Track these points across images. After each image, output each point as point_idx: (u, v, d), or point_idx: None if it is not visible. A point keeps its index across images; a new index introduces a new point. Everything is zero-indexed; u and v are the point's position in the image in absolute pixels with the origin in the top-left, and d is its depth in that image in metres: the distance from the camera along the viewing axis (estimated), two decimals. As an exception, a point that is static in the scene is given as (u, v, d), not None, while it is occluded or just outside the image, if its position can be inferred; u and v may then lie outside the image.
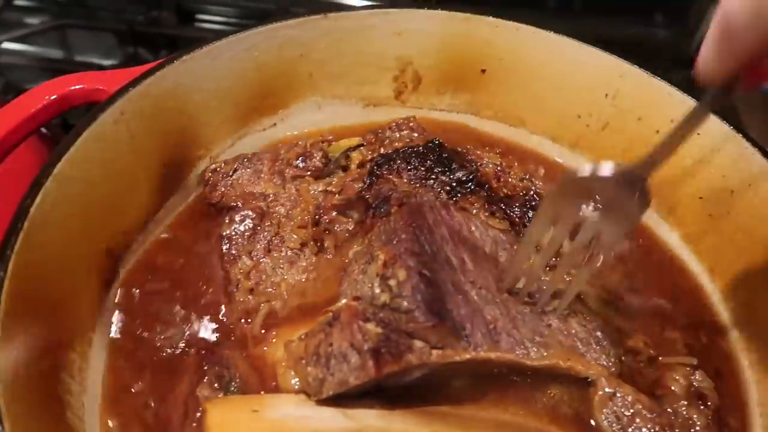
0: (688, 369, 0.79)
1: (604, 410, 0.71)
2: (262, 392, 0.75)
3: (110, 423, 0.75)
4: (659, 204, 1.04)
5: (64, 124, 1.28)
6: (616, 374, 0.75)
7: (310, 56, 1.09)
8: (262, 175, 0.95)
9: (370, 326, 0.67)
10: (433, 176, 0.88)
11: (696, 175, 0.98)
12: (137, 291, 0.87)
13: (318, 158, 0.96)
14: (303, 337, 0.72)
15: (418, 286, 0.69)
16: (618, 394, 0.71)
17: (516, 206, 0.89)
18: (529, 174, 1.00)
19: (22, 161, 0.97)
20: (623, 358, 0.79)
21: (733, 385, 0.86)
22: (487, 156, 0.98)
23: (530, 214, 0.89)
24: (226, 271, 0.86)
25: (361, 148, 0.97)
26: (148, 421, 0.75)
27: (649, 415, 0.70)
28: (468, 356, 0.69)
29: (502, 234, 0.84)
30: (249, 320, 0.82)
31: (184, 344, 0.80)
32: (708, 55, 0.48)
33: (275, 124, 1.12)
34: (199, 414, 0.72)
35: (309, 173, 0.95)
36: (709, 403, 0.76)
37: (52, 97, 0.88)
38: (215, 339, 0.81)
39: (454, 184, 0.88)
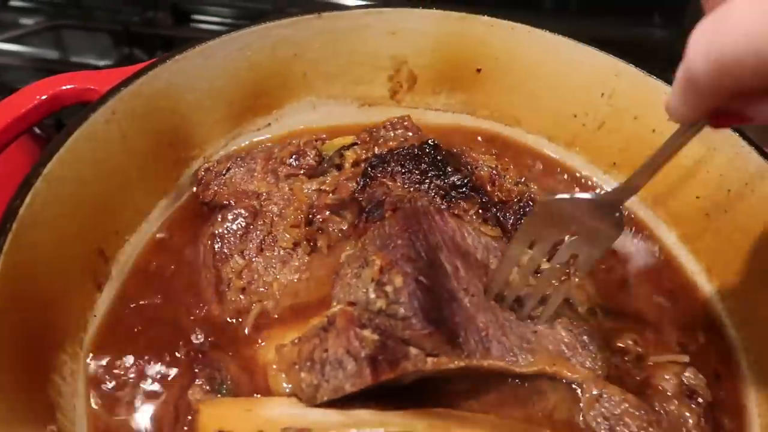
0: (679, 367, 0.79)
1: (592, 412, 0.72)
2: (255, 395, 0.74)
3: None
4: (656, 203, 1.04)
5: (57, 125, 1.27)
6: (603, 376, 0.75)
7: (304, 56, 1.08)
8: (256, 174, 0.94)
9: (367, 333, 0.66)
10: (428, 180, 0.87)
11: (693, 175, 0.98)
12: (129, 291, 0.86)
13: (312, 156, 0.95)
14: (296, 341, 0.72)
15: (415, 293, 0.68)
16: (604, 395, 0.72)
17: (510, 213, 0.88)
18: (524, 177, 0.99)
19: (14, 162, 0.96)
20: (612, 359, 0.80)
21: (731, 386, 0.85)
22: (482, 158, 0.97)
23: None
24: (217, 270, 0.85)
25: (356, 146, 0.96)
26: (138, 424, 0.74)
27: (637, 413, 0.71)
28: (462, 364, 0.69)
29: (493, 241, 0.84)
30: (240, 320, 0.82)
31: (174, 346, 0.80)
32: (674, 101, 0.49)
33: (269, 124, 1.12)
34: (190, 417, 0.71)
35: (303, 172, 0.94)
36: (700, 400, 0.76)
37: (43, 97, 0.88)
38: (206, 340, 0.80)
39: (449, 189, 0.87)
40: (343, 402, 0.68)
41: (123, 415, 0.75)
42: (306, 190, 0.91)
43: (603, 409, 0.71)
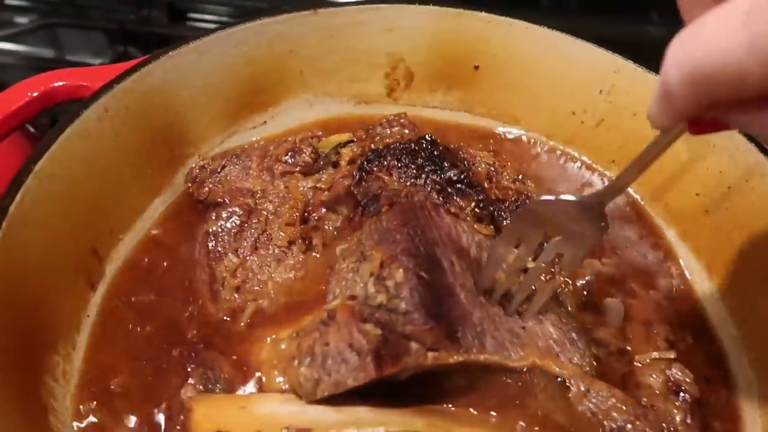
0: (666, 363, 0.79)
1: (580, 407, 0.72)
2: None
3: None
4: (656, 201, 1.03)
5: (52, 124, 1.26)
6: (591, 373, 0.76)
7: (300, 52, 1.08)
8: (251, 172, 0.94)
9: (369, 327, 0.66)
10: (424, 175, 0.87)
11: (693, 172, 0.97)
12: (122, 290, 0.85)
13: (308, 154, 0.94)
14: (294, 335, 0.71)
15: (416, 288, 0.68)
16: (592, 391, 0.73)
17: (506, 212, 0.88)
18: (521, 175, 0.98)
19: (7, 161, 0.95)
20: (600, 356, 0.80)
21: (721, 389, 0.84)
22: (480, 155, 0.97)
23: None
24: (211, 269, 0.84)
25: (352, 144, 0.95)
26: (130, 423, 0.73)
27: (624, 408, 0.72)
28: (461, 359, 0.69)
29: (486, 240, 0.84)
30: (234, 319, 0.81)
31: (167, 345, 0.79)
32: (653, 110, 0.51)
33: (265, 121, 1.11)
34: (182, 417, 0.70)
35: (299, 169, 0.93)
36: (687, 397, 0.76)
37: (34, 94, 0.87)
38: (200, 339, 0.79)
39: (445, 184, 0.86)
40: (339, 399, 0.67)
41: (115, 416, 0.74)
42: (301, 188, 0.90)
43: (591, 404, 0.72)
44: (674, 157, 0.98)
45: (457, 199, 0.85)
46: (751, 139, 0.90)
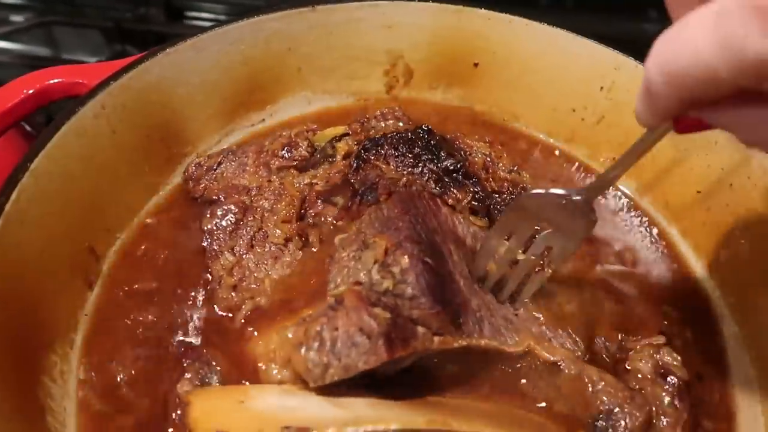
0: (655, 348, 0.80)
1: (571, 389, 0.74)
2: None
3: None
4: (657, 198, 1.03)
5: (48, 121, 1.25)
6: (582, 358, 0.77)
7: (298, 50, 1.07)
8: (248, 168, 0.93)
9: (378, 310, 0.66)
10: (421, 164, 0.87)
11: (693, 169, 0.97)
12: (119, 288, 0.85)
13: (304, 148, 0.94)
14: (301, 322, 0.70)
15: (422, 273, 0.69)
16: (583, 375, 0.74)
17: (501, 204, 0.88)
18: (517, 166, 0.98)
19: (2, 158, 0.94)
20: (596, 341, 0.82)
21: (718, 385, 0.84)
22: (476, 145, 0.97)
23: None
24: (207, 267, 0.84)
25: (347, 137, 0.95)
26: (127, 420, 0.73)
27: (612, 391, 0.73)
28: (464, 343, 0.71)
29: (481, 231, 0.85)
30: (231, 317, 0.80)
31: (164, 340, 0.79)
32: (638, 107, 0.53)
33: (264, 119, 1.10)
34: (179, 411, 0.70)
35: (295, 163, 0.93)
36: (675, 380, 0.77)
37: (30, 91, 0.86)
38: (196, 335, 0.79)
39: (442, 173, 0.86)
40: (339, 389, 0.67)
41: (112, 411, 0.74)
42: (297, 185, 0.89)
43: (581, 388, 0.74)
44: (675, 155, 0.97)
45: (454, 190, 0.85)
46: (752, 135, 0.89)
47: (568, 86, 1.08)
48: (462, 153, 0.93)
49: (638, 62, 1.00)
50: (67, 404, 0.75)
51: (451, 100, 1.17)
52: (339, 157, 0.92)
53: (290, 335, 0.70)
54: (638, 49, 1.01)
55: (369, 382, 0.68)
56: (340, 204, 0.86)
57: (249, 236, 0.85)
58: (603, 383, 0.73)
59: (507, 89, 1.13)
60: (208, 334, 0.79)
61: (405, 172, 0.86)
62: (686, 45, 0.44)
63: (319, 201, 0.87)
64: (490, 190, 0.90)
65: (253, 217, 0.86)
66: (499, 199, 0.89)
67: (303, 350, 0.67)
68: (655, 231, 1.01)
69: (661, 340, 0.82)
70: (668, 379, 0.77)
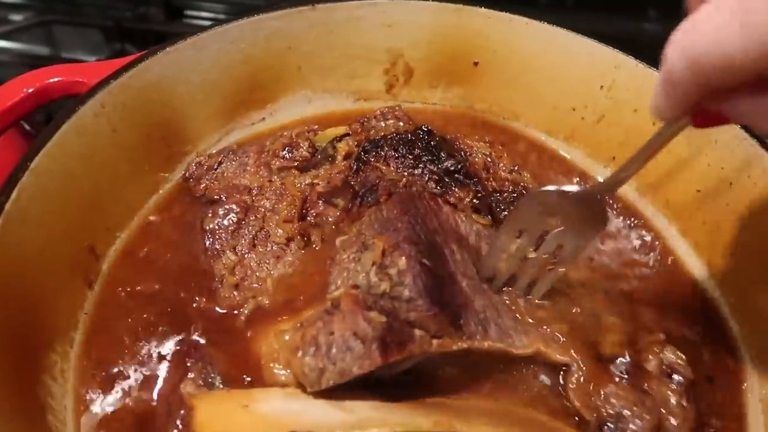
0: (659, 346, 0.79)
1: (579, 392, 0.73)
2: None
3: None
4: (657, 197, 1.03)
5: (47, 121, 1.25)
6: (590, 360, 0.76)
7: (298, 49, 1.07)
8: (248, 168, 0.93)
9: (374, 314, 0.66)
10: (421, 165, 0.87)
11: (694, 168, 0.97)
12: (120, 287, 0.84)
13: (305, 148, 0.94)
14: (298, 326, 0.71)
15: (420, 275, 0.69)
16: (592, 378, 0.74)
17: (502, 203, 0.88)
18: (518, 166, 0.98)
19: (2, 158, 0.94)
20: (601, 344, 0.80)
21: (729, 386, 0.84)
22: (476, 145, 0.97)
23: None
24: (209, 267, 0.84)
25: (347, 138, 0.95)
26: (129, 420, 0.73)
27: (622, 394, 0.73)
28: (465, 345, 0.70)
29: (484, 229, 0.84)
30: (234, 316, 0.80)
31: (166, 340, 0.78)
32: (657, 99, 0.53)
33: (264, 118, 1.10)
34: (183, 411, 0.70)
35: (296, 164, 0.93)
36: (681, 379, 0.76)
37: (30, 90, 0.86)
38: (198, 334, 0.79)
39: (443, 174, 0.86)
40: (342, 392, 0.67)
41: (114, 411, 0.73)
42: (299, 185, 0.90)
43: (591, 389, 0.73)
44: (675, 154, 0.97)
45: (456, 190, 0.85)
46: (752, 134, 0.89)
47: (568, 85, 1.07)
48: (462, 154, 0.93)
49: (638, 61, 1.00)
50: (67, 403, 0.75)
51: (451, 98, 1.16)
52: (340, 158, 0.92)
53: (287, 339, 0.71)
54: (638, 48, 1.02)
55: (373, 383, 0.68)
56: (341, 206, 0.86)
57: (251, 235, 0.85)
58: (612, 386, 0.73)
59: (507, 88, 1.12)
60: (210, 334, 0.79)
61: (405, 173, 0.86)
62: (708, 30, 0.45)
63: (320, 202, 0.86)
64: (490, 189, 0.90)
65: (255, 216, 0.87)
66: (500, 198, 0.89)
67: (300, 354, 0.68)
68: (653, 230, 1.01)
69: (662, 337, 0.81)
70: (674, 378, 0.77)
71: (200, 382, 0.72)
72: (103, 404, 0.74)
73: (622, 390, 0.73)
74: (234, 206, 0.87)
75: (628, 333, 0.82)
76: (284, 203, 0.87)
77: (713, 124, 0.55)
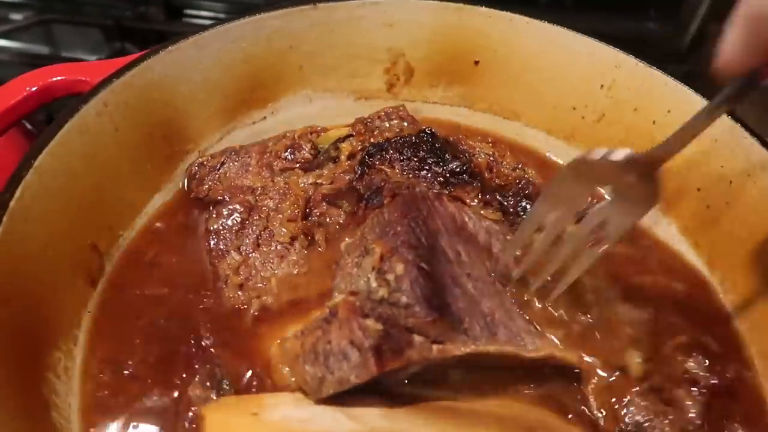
0: (682, 355, 0.78)
1: (597, 399, 0.72)
2: (255, 390, 0.73)
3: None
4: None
5: (49, 121, 1.24)
6: (609, 365, 0.75)
7: (300, 48, 1.07)
8: (251, 168, 0.93)
9: (370, 322, 0.65)
10: (426, 167, 0.87)
11: (694, 166, 0.97)
12: (123, 287, 0.84)
13: (307, 150, 0.94)
14: (299, 334, 0.70)
15: (417, 280, 0.68)
16: (611, 385, 0.72)
17: (510, 195, 0.88)
18: (521, 163, 0.98)
19: (5, 158, 0.94)
20: (620, 350, 0.78)
21: (749, 388, 0.82)
22: (479, 146, 0.97)
23: (524, 203, 0.88)
24: (214, 267, 0.84)
25: (351, 138, 0.95)
26: (137, 421, 0.72)
27: (642, 403, 0.71)
28: (468, 350, 0.68)
29: (495, 224, 0.83)
30: (239, 317, 0.80)
31: (173, 342, 0.78)
32: (733, 48, 0.49)
33: (265, 117, 1.10)
34: (191, 414, 0.69)
35: (298, 165, 0.93)
36: (702, 388, 0.74)
37: (33, 89, 0.86)
38: (205, 336, 0.78)
39: (448, 175, 0.86)
40: (350, 397, 0.67)
41: (121, 413, 0.73)
42: (302, 184, 0.90)
43: (609, 397, 0.71)
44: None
45: (461, 188, 0.85)
46: (753, 133, 0.90)
47: (569, 84, 1.08)
48: (466, 154, 0.93)
49: (639, 60, 1.01)
50: (71, 400, 0.74)
51: (452, 98, 1.17)
52: (343, 158, 0.92)
53: (288, 347, 0.71)
54: (639, 48, 1.03)
55: (382, 387, 0.68)
56: (346, 209, 0.86)
57: (255, 235, 0.85)
58: (632, 395, 0.71)
59: (507, 87, 1.13)
60: (216, 334, 0.79)
61: (410, 175, 0.86)
62: None
63: (324, 203, 0.87)
64: (496, 186, 0.90)
65: (259, 216, 0.86)
66: (507, 194, 0.88)
67: (301, 362, 0.68)
68: (653, 229, 1.00)
69: (683, 343, 0.79)
70: (696, 386, 0.74)
71: (208, 384, 0.71)
72: (110, 405, 0.74)
73: (642, 399, 0.71)
74: (238, 206, 0.87)
75: (648, 340, 0.80)
76: (287, 202, 0.87)
77: None
